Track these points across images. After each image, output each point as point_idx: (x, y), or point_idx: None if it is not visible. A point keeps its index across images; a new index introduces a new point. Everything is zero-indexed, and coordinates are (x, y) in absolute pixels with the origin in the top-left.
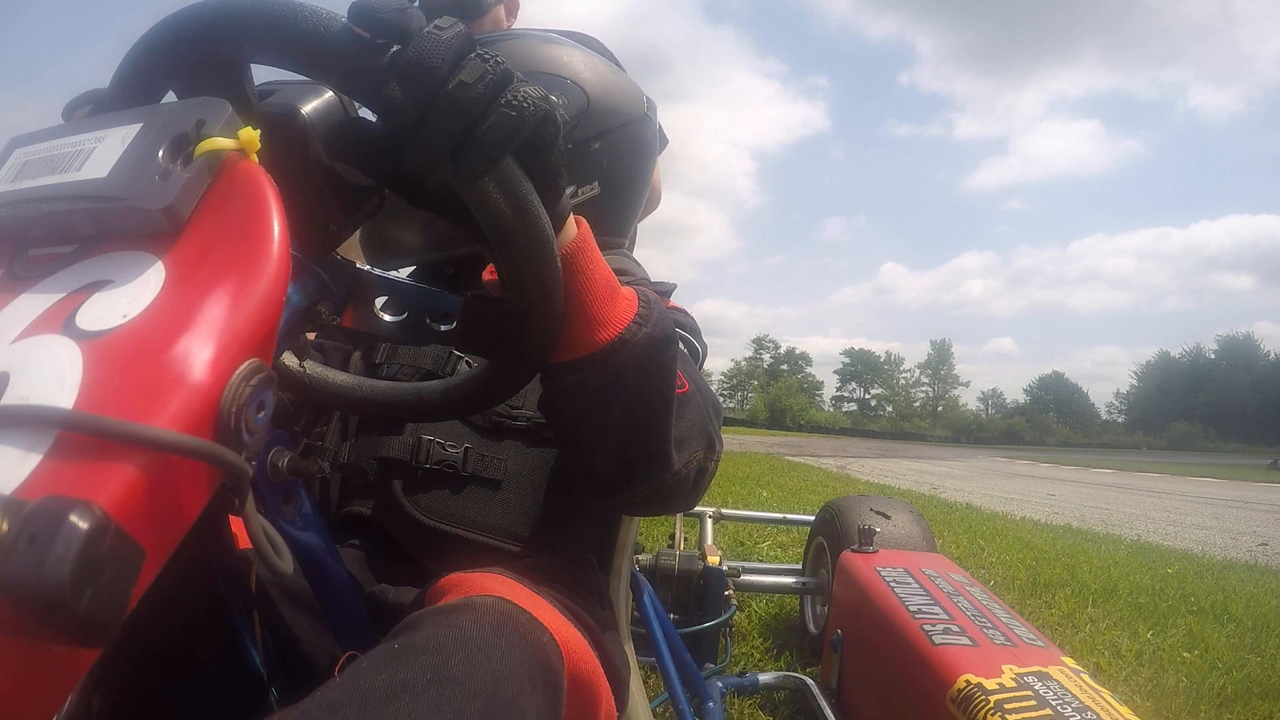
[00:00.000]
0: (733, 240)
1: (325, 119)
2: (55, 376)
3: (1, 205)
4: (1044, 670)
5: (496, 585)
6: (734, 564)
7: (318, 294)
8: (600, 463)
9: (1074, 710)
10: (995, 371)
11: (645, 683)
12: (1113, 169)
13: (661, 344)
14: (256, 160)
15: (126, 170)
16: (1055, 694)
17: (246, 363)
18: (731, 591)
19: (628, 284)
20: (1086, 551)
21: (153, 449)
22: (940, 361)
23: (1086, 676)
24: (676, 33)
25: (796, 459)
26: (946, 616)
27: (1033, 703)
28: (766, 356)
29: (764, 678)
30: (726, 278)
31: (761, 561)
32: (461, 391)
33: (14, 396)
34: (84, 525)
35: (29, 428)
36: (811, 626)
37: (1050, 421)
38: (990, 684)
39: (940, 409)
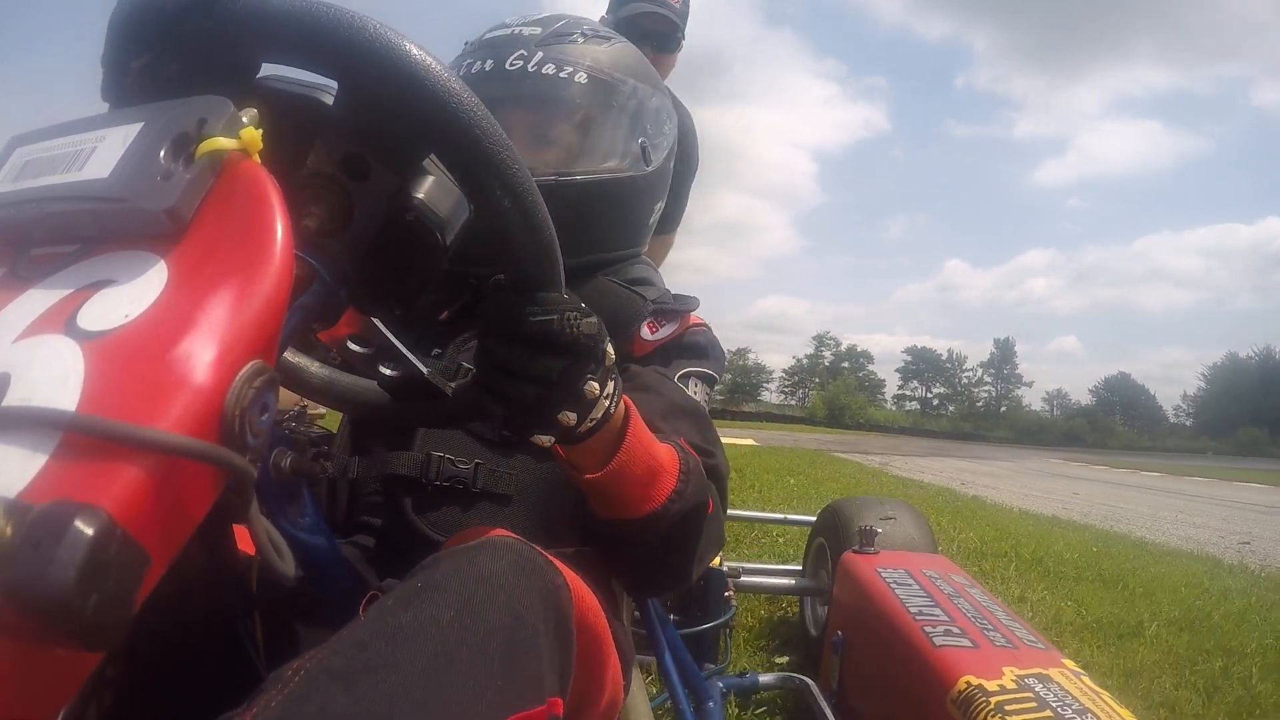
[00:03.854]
0: (795, 239)
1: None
2: (57, 377)
3: (3, 205)
4: (1044, 672)
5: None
6: (734, 564)
7: (320, 296)
8: (628, 574)
9: (1074, 712)
10: (1060, 371)
11: (645, 683)
12: (1175, 166)
13: (693, 511)
14: (258, 160)
15: (128, 171)
16: (1056, 696)
17: (249, 364)
18: (732, 592)
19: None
20: (1048, 535)
21: (157, 452)
22: (1003, 361)
23: (1087, 678)
24: (736, 35)
25: (843, 455)
26: (947, 618)
27: (1033, 704)
28: (828, 354)
29: (764, 678)
30: (789, 275)
31: (761, 563)
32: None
33: (16, 397)
34: (89, 530)
35: (33, 430)
36: (811, 628)
37: (1115, 424)
38: (991, 685)
39: (1004, 409)
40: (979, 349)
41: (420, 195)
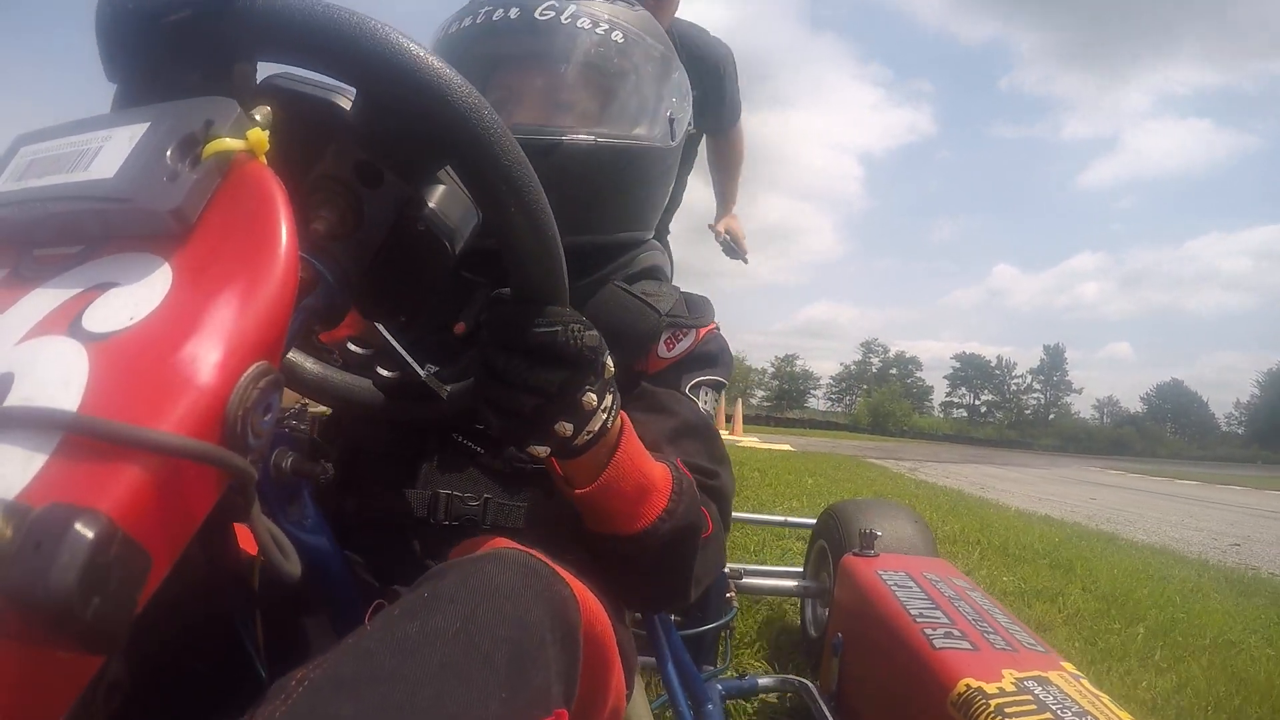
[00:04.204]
0: (841, 243)
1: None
2: (61, 378)
3: (7, 204)
4: (1044, 675)
5: (519, 546)
6: (735, 566)
7: (324, 299)
8: (626, 591)
9: (1074, 715)
10: (1111, 378)
11: (645, 685)
12: (1225, 165)
13: (686, 531)
14: (264, 161)
15: (134, 171)
16: (1055, 698)
17: (254, 365)
18: (733, 594)
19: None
20: (1027, 529)
21: (158, 453)
22: (1053, 367)
23: (1086, 681)
24: (779, 40)
25: (876, 460)
26: (947, 621)
27: (1033, 707)
28: (875, 360)
29: (763, 680)
30: (835, 280)
31: (763, 564)
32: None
33: (19, 398)
34: (90, 533)
35: (34, 430)
36: (811, 630)
37: (1164, 432)
38: (990, 688)
39: (1052, 417)
40: (1029, 355)
41: (433, 204)
